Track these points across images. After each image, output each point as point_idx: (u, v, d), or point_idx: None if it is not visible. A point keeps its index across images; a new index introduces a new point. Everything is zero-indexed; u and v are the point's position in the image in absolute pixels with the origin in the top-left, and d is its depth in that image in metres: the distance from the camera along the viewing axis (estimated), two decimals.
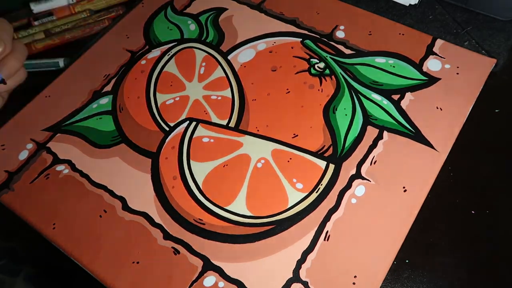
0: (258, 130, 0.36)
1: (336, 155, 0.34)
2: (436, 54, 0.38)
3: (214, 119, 0.37)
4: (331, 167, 0.33)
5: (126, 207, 0.34)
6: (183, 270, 0.30)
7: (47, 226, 0.34)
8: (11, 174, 0.37)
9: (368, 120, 0.35)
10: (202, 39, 0.43)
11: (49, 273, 0.36)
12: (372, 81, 0.37)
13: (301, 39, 0.41)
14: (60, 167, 0.37)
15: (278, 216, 0.32)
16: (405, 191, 0.31)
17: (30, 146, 0.38)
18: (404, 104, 0.35)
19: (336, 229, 0.31)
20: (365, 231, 0.30)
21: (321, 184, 0.33)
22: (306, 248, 0.30)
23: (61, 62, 0.46)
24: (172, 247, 0.31)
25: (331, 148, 0.34)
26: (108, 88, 0.41)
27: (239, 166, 0.34)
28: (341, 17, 0.42)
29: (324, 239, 0.30)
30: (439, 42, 0.38)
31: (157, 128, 0.38)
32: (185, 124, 0.37)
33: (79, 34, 0.49)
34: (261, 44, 0.41)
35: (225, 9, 0.45)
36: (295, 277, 0.29)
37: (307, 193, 0.32)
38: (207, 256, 0.31)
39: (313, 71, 0.39)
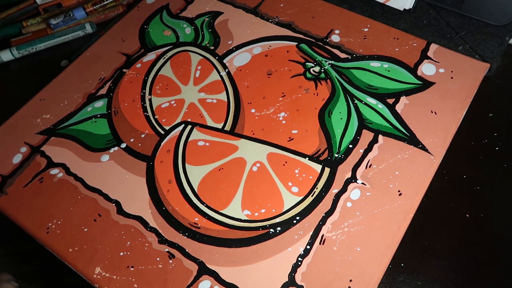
0: (253, 134, 0.36)
1: (331, 159, 0.34)
2: (430, 58, 0.38)
3: (210, 122, 0.37)
4: (327, 170, 0.33)
5: (121, 211, 0.34)
6: (178, 274, 0.30)
7: (41, 230, 0.33)
8: (5, 178, 0.37)
9: (363, 124, 0.35)
10: (198, 42, 0.43)
11: None
12: (367, 85, 0.37)
13: (296, 43, 0.41)
14: (54, 171, 0.36)
15: (273, 220, 0.32)
16: (400, 194, 0.31)
17: (24, 149, 0.38)
18: (399, 108, 0.36)
19: (331, 233, 0.31)
20: (360, 235, 0.30)
21: (317, 188, 0.33)
22: (302, 252, 0.30)
23: (88, 26, 0.47)
24: (167, 251, 0.31)
25: (326, 152, 0.34)
26: (103, 91, 0.41)
27: (234, 170, 0.34)
28: (336, 22, 0.42)
29: (320, 243, 0.30)
30: (433, 47, 0.39)
31: (152, 131, 0.37)
32: (180, 128, 0.37)
33: (93, 20, 0.49)
34: (257, 48, 0.41)
35: (221, 13, 0.45)
36: (291, 281, 0.29)
37: (302, 197, 0.32)
38: (202, 260, 0.31)
39: (308, 75, 0.39)
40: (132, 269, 0.31)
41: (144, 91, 0.40)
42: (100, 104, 0.40)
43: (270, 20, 0.43)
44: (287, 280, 0.29)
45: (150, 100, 0.40)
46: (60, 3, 0.51)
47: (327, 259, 0.30)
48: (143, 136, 0.37)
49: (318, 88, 0.38)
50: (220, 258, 0.30)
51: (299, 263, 0.30)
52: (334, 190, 0.32)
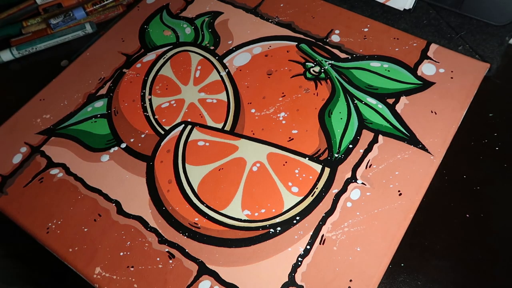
0: (253, 134, 0.36)
1: (331, 159, 0.34)
2: (430, 58, 0.38)
3: (210, 122, 0.37)
4: (327, 170, 0.33)
5: (121, 211, 0.34)
6: (178, 274, 0.30)
7: (41, 230, 0.33)
8: (5, 178, 0.37)
9: (363, 124, 0.35)
10: (198, 42, 0.43)
11: None
12: (367, 85, 0.37)
13: (296, 43, 0.41)
14: (54, 171, 0.36)
15: (273, 220, 0.32)
16: (400, 194, 0.31)
17: (24, 149, 0.38)
18: (399, 108, 0.36)
19: (331, 233, 0.31)
20: (360, 235, 0.30)
21: (317, 188, 0.33)
22: (302, 252, 0.30)
23: (88, 26, 0.46)
24: (167, 251, 0.31)
25: (326, 152, 0.34)
26: (103, 91, 0.41)
27: (234, 170, 0.34)
28: (336, 22, 0.42)
29: (320, 243, 0.30)
30: (433, 47, 0.39)
31: (152, 131, 0.37)
32: (180, 128, 0.37)
33: (93, 20, 0.49)
34: (257, 48, 0.41)
35: (221, 13, 0.45)
36: (291, 281, 0.29)
37: (302, 197, 0.32)
38: (202, 260, 0.31)
39: (308, 75, 0.39)
40: (132, 269, 0.31)
41: (144, 91, 0.40)
42: (100, 104, 0.40)
43: (270, 20, 0.43)
44: (287, 280, 0.29)
45: (150, 100, 0.40)
46: (60, 3, 0.51)
47: (327, 259, 0.30)
48: (143, 136, 0.37)
49: (318, 88, 0.38)
50: (220, 258, 0.30)
51: (299, 263, 0.30)
52: (334, 190, 0.32)
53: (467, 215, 0.33)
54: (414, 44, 0.39)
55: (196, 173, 0.35)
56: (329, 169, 0.33)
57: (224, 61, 0.41)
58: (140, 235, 0.32)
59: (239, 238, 0.31)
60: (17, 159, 0.37)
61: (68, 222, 0.34)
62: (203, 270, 0.30)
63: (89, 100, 0.40)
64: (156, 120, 0.38)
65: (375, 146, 0.34)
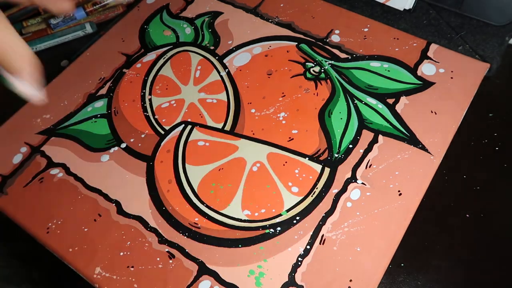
0: (253, 134, 0.36)
1: (331, 159, 0.34)
2: (430, 58, 0.38)
3: (210, 122, 0.37)
4: (327, 170, 0.33)
5: (121, 211, 0.34)
6: (178, 274, 0.30)
7: (41, 230, 0.33)
8: (5, 178, 0.37)
9: (363, 124, 0.35)
10: (198, 42, 0.43)
11: None
12: (367, 85, 0.37)
13: (296, 43, 0.41)
14: (54, 171, 0.36)
15: (273, 220, 0.32)
16: (400, 194, 0.31)
17: (24, 149, 0.38)
18: (399, 108, 0.36)
19: (331, 233, 0.31)
20: (360, 235, 0.30)
21: (317, 188, 0.33)
22: (302, 252, 0.30)
23: (88, 26, 0.47)
24: (167, 251, 0.31)
25: (326, 152, 0.34)
26: (103, 91, 0.41)
27: (234, 170, 0.34)
28: (336, 22, 0.42)
29: (320, 243, 0.30)
30: (433, 47, 0.39)
31: (152, 131, 0.37)
32: (180, 128, 0.37)
33: (93, 20, 0.49)
34: (257, 48, 0.41)
35: (221, 13, 0.45)
36: (291, 281, 0.29)
37: (302, 197, 0.32)
38: (202, 260, 0.31)
39: (308, 75, 0.39)
40: (132, 269, 0.31)
41: (144, 91, 0.40)
42: (100, 104, 0.40)
43: (270, 20, 0.43)
44: (287, 280, 0.29)
45: (150, 100, 0.40)
46: None
47: (327, 259, 0.30)
48: (143, 136, 0.37)
49: (318, 88, 0.38)
50: (220, 258, 0.30)
51: (299, 263, 0.30)
52: (334, 190, 0.32)
53: (467, 215, 0.33)
54: (414, 44, 0.39)
55: (196, 173, 0.35)
56: (329, 169, 0.33)
57: (224, 61, 0.41)
58: (140, 235, 0.32)
59: (239, 238, 0.31)
60: (17, 159, 0.37)
61: (68, 222, 0.34)
62: (203, 270, 0.30)
63: (89, 100, 0.40)
64: (156, 120, 0.38)
65: (375, 146, 0.34)
